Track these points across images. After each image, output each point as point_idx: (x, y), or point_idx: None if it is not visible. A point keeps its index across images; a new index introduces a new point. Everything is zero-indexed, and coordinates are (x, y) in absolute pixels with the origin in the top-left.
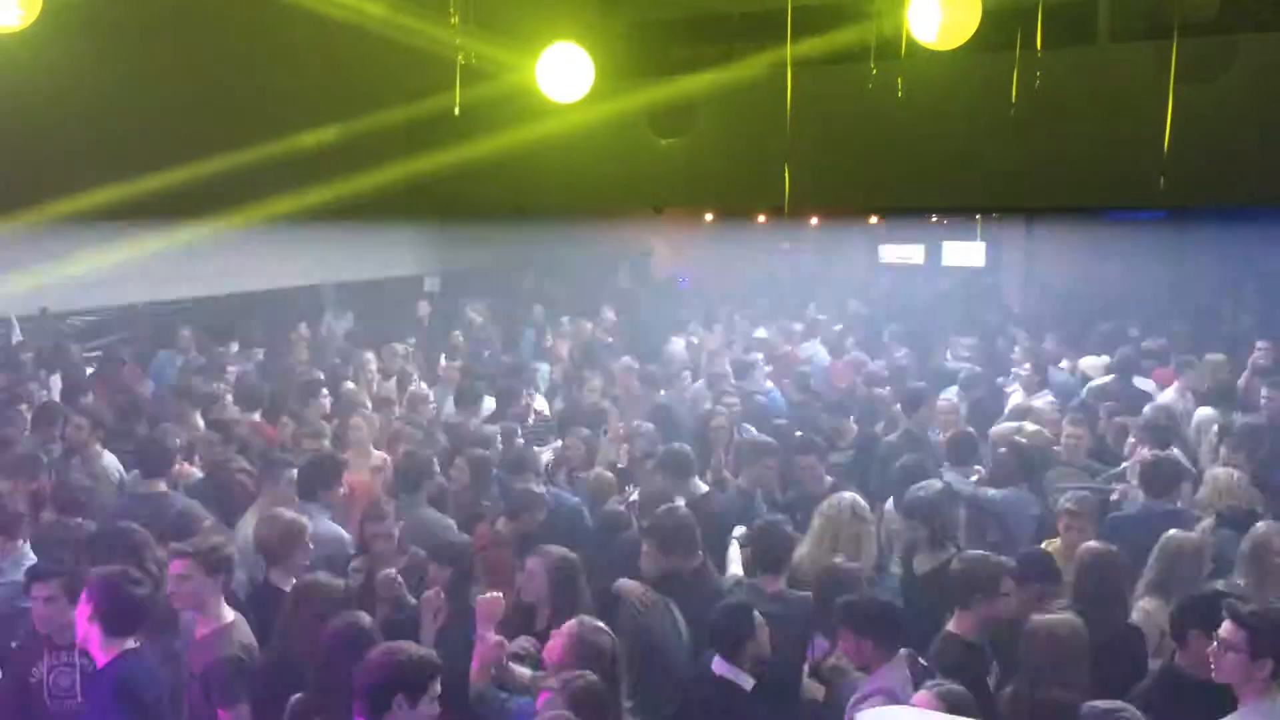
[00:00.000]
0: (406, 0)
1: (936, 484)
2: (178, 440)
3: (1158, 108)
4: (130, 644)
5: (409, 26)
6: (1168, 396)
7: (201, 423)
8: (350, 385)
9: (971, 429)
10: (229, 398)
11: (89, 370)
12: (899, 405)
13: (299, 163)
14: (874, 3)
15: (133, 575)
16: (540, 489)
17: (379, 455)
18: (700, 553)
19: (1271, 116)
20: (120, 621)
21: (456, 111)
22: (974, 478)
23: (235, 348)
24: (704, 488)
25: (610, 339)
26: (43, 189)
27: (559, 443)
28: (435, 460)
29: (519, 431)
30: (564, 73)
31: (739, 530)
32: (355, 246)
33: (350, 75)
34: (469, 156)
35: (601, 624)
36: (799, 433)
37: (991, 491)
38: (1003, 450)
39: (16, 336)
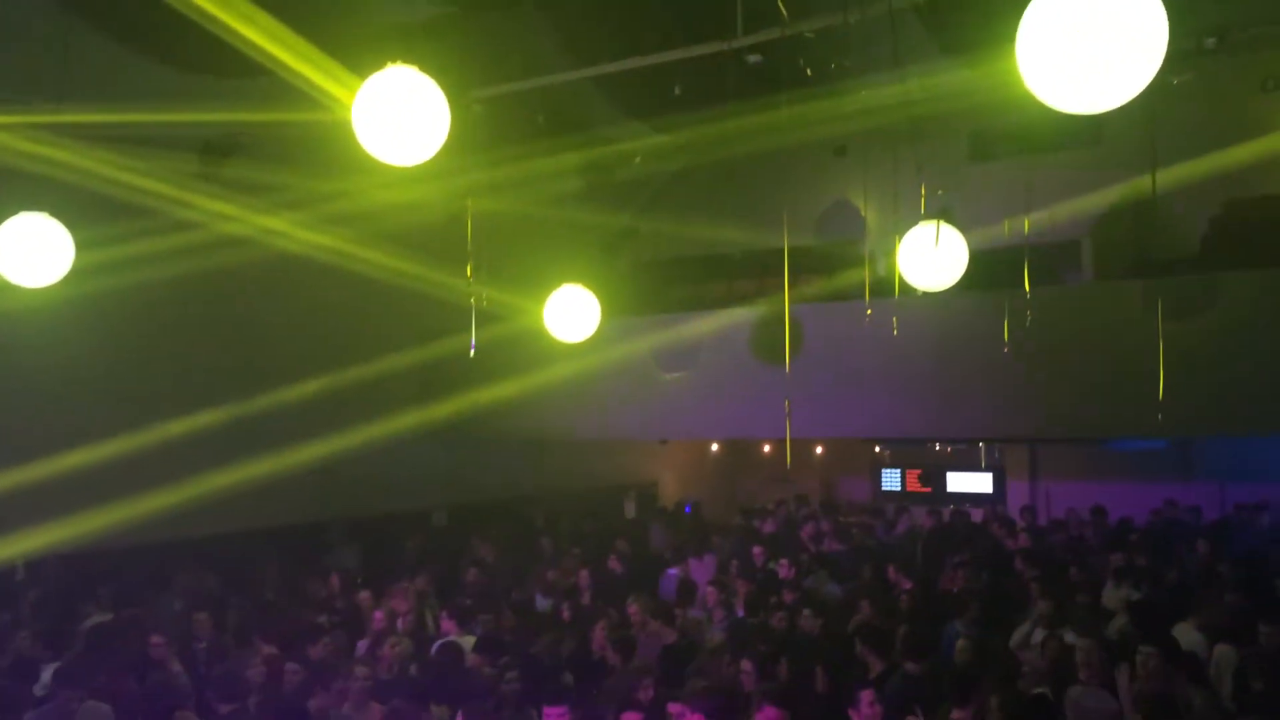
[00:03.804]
0: (423, 254)
1: None
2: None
3: (1148, 341)
4: None
5: (426, 277)
6: (1183, 634)
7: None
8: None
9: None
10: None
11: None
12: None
13: (316, 406)
14: (865, 247)
15: None
16: None
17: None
18: None
19: (1260, 350)
20: None
21: (472, 353)
22: None
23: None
24: None
25: (620, 569)
26: (64, 438)
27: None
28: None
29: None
30: (572, 314)
31: None
32: (366, 483)
33: (369, 322)
34: (480, 394)
35: None
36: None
37: None
38: None
39: (19, 575)
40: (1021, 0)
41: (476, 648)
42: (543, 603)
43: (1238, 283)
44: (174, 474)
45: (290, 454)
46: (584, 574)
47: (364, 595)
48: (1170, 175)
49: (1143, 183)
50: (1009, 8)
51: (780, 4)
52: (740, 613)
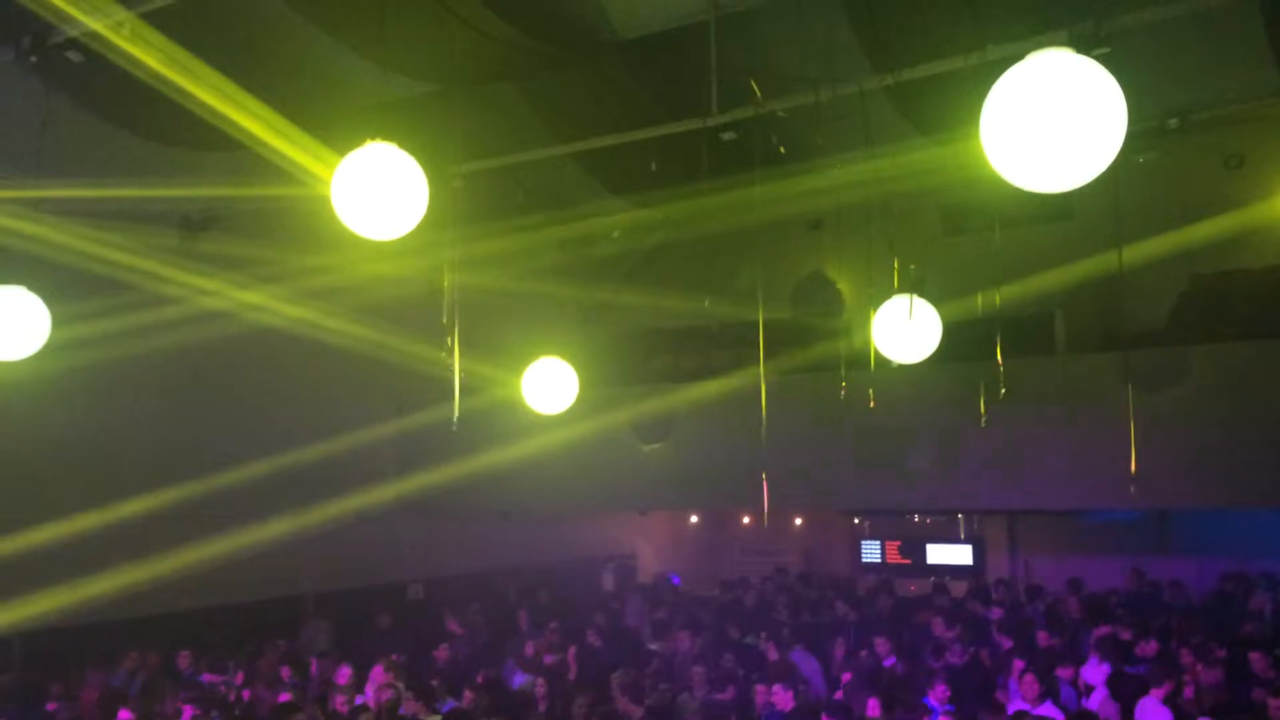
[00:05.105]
0: (402, 327)
1: None
2: None
3: (1120, 413)
4: None
5: (404, 350)
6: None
7: None
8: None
9: None
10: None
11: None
12: None
13: (292, 479)
14: (840, 320)
15: None
16: None
17: None
18: None
19: (1230, 422)
20: None
21: (454, 426)
22: None
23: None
24: None
25: (598, 644)
26: (36, 513)
27: None
28: None
29: None
30: (550, 386)
31: None
32: (341, 556)
33: (347, 395)
34: (458, 467)
35: None
36: None
37: None
38: None
39: None
40: (987, 82)
41: None
42: (520, 679)
43: (1207, 356)
44: (152, 548)
45: (266, 527)
46: (572, 650)
47: (343, 672)
48: (1138, 251)
49: (1112, 257)
50: (975, 89)
51: (754, 84)
52: (719, 687)
